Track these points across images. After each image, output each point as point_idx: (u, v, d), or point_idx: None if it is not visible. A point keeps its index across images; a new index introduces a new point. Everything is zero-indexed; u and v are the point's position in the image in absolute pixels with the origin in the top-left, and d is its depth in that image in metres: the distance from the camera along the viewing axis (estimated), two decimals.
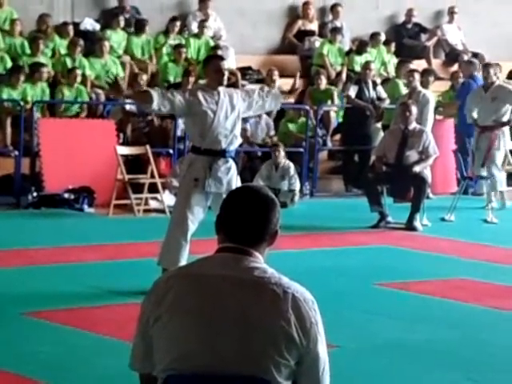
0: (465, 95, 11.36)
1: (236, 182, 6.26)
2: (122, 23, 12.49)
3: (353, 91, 11.86)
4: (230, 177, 6.24)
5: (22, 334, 5.39)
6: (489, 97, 10.56)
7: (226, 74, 6.27)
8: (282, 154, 10.75)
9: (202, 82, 11.11)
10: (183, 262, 6.13)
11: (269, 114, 12.24)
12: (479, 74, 11.67)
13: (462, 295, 6.69)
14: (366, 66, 12.11)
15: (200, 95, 6.21)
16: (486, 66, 10.90)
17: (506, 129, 10.77)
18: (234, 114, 6.25)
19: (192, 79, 11.55)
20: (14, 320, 5.67)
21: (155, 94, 6.06)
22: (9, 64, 11.33)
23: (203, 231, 6.09)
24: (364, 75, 11.95)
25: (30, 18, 12.11)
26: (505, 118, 10.65)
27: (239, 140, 6.41)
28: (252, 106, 6.34)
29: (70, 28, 12.06)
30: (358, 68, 13.02)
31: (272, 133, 11.98)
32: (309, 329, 2.44)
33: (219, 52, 12.42)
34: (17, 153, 10.28)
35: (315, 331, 2.45)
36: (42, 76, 10.95)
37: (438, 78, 12.88)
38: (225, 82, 6.28)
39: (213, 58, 6.66)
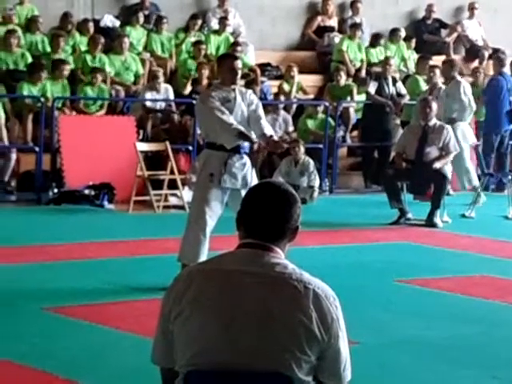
0: (493, 92, 11.33)
1: (251, 177, 6.27)
2: (142, 20, 12.52)
3: (372, 87, 11.82)
4: (245, 172, 6.25)
5: (42, 329, 5.41)
6: None
7: (240, 72, 6.27)
8: (302, 150, 10.74)
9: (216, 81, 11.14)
10: (203, 257, 6.14)
11: (287, 110, 12.24)
12: (507, 71, 11.65)
13: (483, 292, 6.66)
14: (386, 61, 12.07)
15: (214, 95, 6.23)
16: None
17: None
18: (249, 111, 6.27)
19: (206, 73, 11.57)
20: (35, 315, 5.70)
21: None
22: (29, 61, 11.38)
23: (223, 227, 6.10)
24: (384, 71, 11.90)
25: (51, 15, 12.17)
26: None
27: (254, 136, 6.39)
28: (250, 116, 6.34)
29: (91, 25, 12.10)
30: (374, 60, 13.02)
31: (291, 129, 11.96)
32: (330, 325, 2.43)
33: (239, 48, 12.43)
34: (38, 149, 10.34)
35: (336, 327, 2.45)
36: (64, 73, 11.00)
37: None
38: (238, 82, 6.29)
39: (227, 56, 6.65)
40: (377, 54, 13.36)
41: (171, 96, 11.53)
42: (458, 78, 10.71)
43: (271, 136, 6.22)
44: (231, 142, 6.21)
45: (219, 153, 6.23)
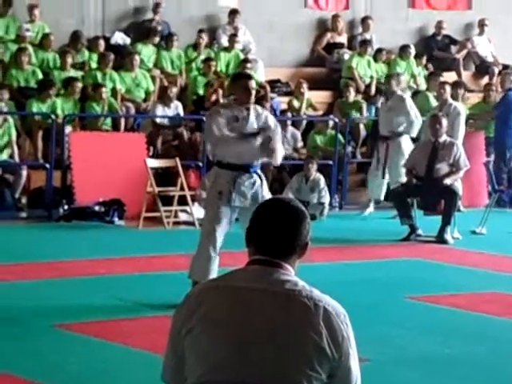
0: (506, 107, 11.36)
1: (262, 195, 6.25)
2: (153, 37, 12.58)
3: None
4: (255, 191, 6.22)
5: (52, 346, 5.41)
6: None
7: (253, 92, 6.27)
8: (315, 166, 10.75)
9: (225, 99, 11.17)
10: (213, 274, 6.14)
11: (297, 126, 12.25)
12: None
13: (494, 309, 6.63)
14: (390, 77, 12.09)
15: (222, 113, 6.24)
16: None
17: None
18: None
19: (214, 93, 11.61)
20: (45, 332, 5.70)
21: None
22: (40, 78, 11.44)
23: (233, 243, 6.10)
24: (389, 87, 11.92)
25: (62, 32, 12.24)
26: None
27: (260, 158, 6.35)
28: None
29: (101, 42, 12.17)
30: (377, 75, 13.10)
31: (299, 145, 11.97)
32: (341, 343, 2.42)
33: (248, 65, 12.46)
34: (48, 166, 10.37)
35: (347, 345, 2.44)
36: (75, 90, 11.05)
37: (468, 91, 12.82)
38: (252, 101, 6.28)
39: (241, 76, 6.66)
40: (381, 69, 13.38)
41: (181, 112, 11.57)
42: (400, 92, 10.78)
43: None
44: (236, 156, 6.19)
45: (228, 171, 6.24)
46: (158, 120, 11.43)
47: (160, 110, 11.42)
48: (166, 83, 12.14)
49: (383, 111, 10.83)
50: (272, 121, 6.38)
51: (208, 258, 6.22)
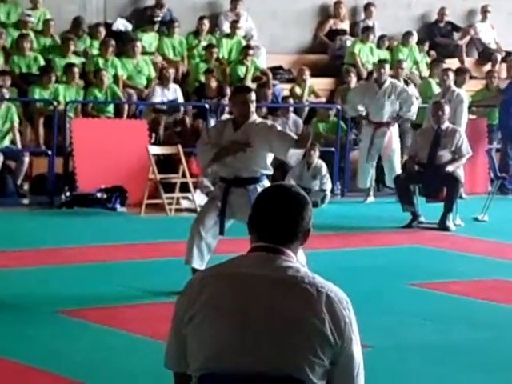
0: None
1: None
2: (155, 24, 12.55)
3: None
4: (245, 203, 6.04)
5: (56, 333, 5.43)
6: None
7: (252, 106, 6.24)
8: (317, 153, 10.74)
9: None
10: (196, 256, 6.22)
11: (298, 113, 12.23)
12: None
13: (495, 296, 6.63)
14: (398, 65, 12.05)
15: (215, 129, 6.40)
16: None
17: None
18: (251, 148, 6.17)
19: (214, 80, 11.61)
20: (49, 318, 5.72)
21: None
22: (42, 64, 11.42)
23: (235, 231, 6.10)
24: (396, 74, 11.88)
25: (64, 19, 12.21)
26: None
27: (261, 170, 6.29)
28: (272, 146, 6.17)
29: (102, 29, 12.14)
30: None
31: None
32: (343, 328, 2.42)
33: (250, 52, 12.43)
34: (50, 152, 10.37)
35: (349, 331, 2.44)
36: (74, 76, 11.03)
37: (470, 77, 12.78)
38: (251, 115, 6.24)
39: (241, 90, 6.67)
40: (384, 56, 13.34)
41: (179, 95, 11.55)
42: (390, 79, 10.86)
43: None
44: (227, 171, 6.26)
45: (221, 184, 6.37)
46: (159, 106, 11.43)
47: (159, 93, 11.40)
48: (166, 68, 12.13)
49: (374, 99, 10.73)
50: (264, 126, 6.22)
51: (191, 239, 6.27)
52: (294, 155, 6.13)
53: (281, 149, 6.10)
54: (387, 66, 10.96)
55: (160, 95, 11.45)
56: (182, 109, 11.65)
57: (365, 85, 11.40)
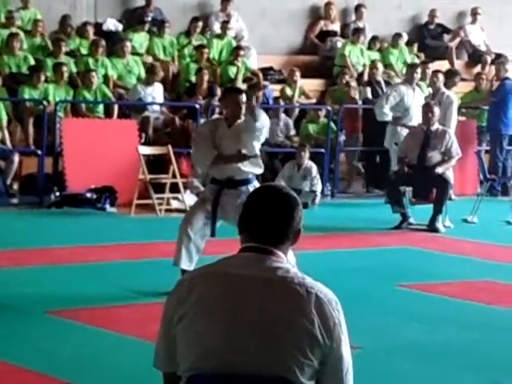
0: (503, 94, 11.39)
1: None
2: (145, 24, 12.53)
3: (369, 92, 11.85)
4: (239, 205, 6.13)
5: (45, 333, 5.41)
6: None
7: (244, 107, 6.26)
8: (308, 154, 10.76)
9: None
10: (185, 257, 6.23)
11: (289, 114, 12.23)
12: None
13: (484, 297, 6.65)
14: (373, 65, 12.09)
15: (207, 129, 6.36)
16: None
17: None
18: (240, 146, 6.23)
19: (206, 78, 11.61)
20: (38, 318, 5.70)
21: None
22: (32, 64, 11.39)
23: (223, 232, 6.10)
24: (372, 75, 11.93)
25: (53, 18, 12.19)
26: None
27: (252, 169, 6.32)
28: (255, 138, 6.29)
29: (90, 28, 12.11)
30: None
31: (292, 133, 11.96)
32: (332, 329, 2.43)
33: (241, 52, 12.43)
34: (40, 152, 10.34)
35: (339, 332, 2.44)
36: (63, 75, 11.00)
37: (460, 79, 12.81)
38: (242, 116, 6.27)
39: (232, 91, 6.70)
40: (374, 57, 13.37)
41: (159, 92, 11.44)
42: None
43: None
44: (219, 173, 6.26)
45: (212, 185, 6.37)
46: (146, 113, 11.36)
47: (138, 92, 11.35)
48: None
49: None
50: (248, 123, 6.23)
51: (179, 239, 6.26)
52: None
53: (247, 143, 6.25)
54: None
55: (140, 93, 11.37)
56: (158, 108, 11.57)
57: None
